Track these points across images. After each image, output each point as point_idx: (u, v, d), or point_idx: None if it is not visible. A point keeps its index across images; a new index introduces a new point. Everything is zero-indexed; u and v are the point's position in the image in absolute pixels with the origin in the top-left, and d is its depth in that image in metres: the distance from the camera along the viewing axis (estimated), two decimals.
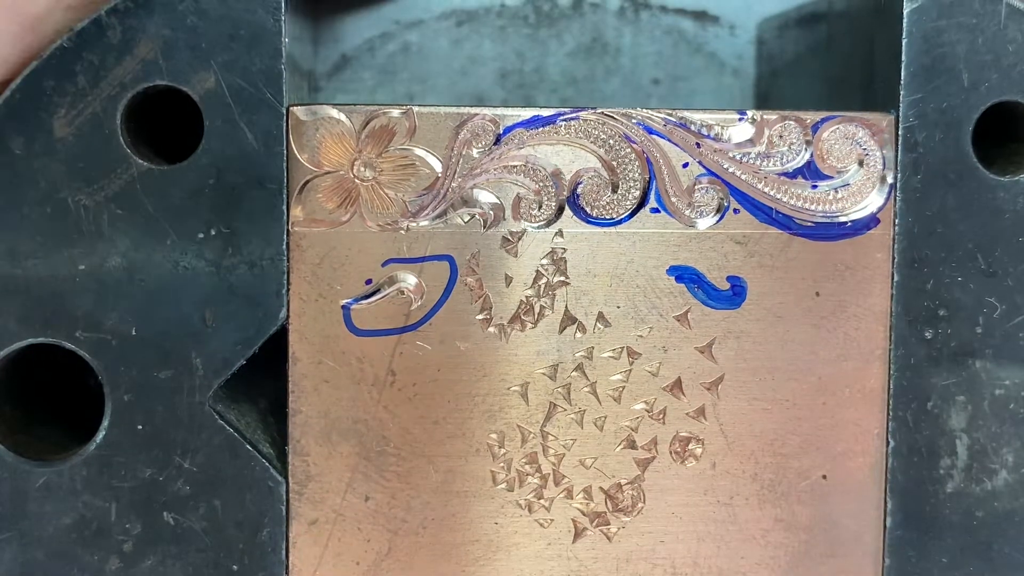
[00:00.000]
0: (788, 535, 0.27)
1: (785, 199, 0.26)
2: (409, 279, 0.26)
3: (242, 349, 0.25)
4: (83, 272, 0.25)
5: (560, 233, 0.26)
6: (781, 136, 0.26)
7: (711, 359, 0.26)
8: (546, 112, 0.26)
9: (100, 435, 0.25)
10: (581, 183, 0.26)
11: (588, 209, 0.26)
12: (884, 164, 0.26)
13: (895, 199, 0.26)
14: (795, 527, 0.27)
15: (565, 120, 0.26)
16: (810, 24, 0.33)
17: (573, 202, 0.26)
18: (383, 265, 0.26)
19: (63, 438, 0.26)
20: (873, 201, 0.26)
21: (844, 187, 0.26)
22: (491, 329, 0.26)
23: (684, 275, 0.26)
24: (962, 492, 0.27)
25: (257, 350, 0.25)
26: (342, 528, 0.26)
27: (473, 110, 0.25)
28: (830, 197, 0.26)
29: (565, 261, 0.26)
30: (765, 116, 0.26)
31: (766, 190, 0.26)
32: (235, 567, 0.26)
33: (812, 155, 0.26)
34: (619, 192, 0.26)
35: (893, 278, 0.26)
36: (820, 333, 0.26)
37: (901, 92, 0.26)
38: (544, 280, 0.26)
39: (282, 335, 0.25)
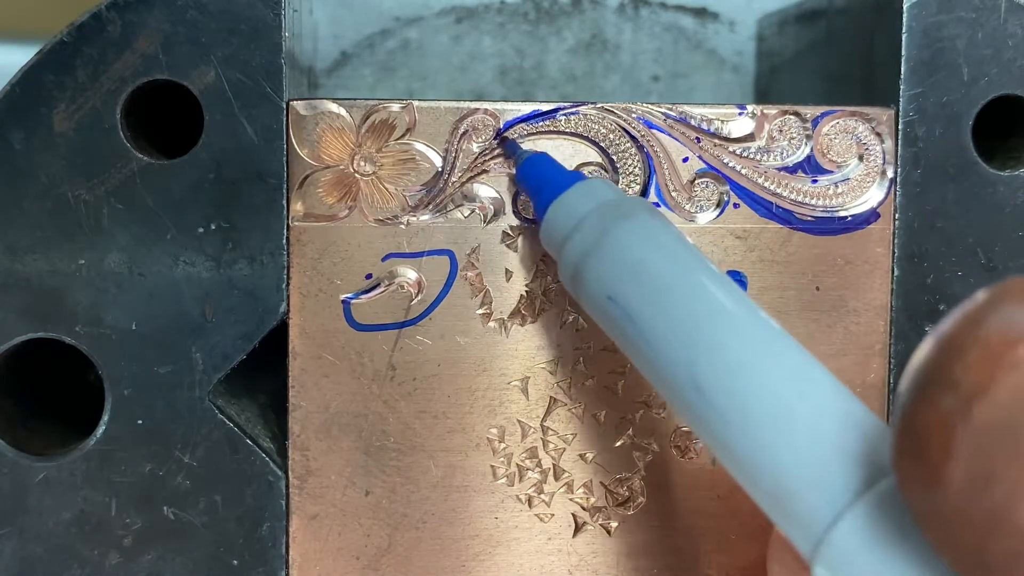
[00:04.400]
0: None
1: (785, 194, 0.26)
2: (409, 274, 0.26)
3: (242, 344, 0.25)
4: (83, 267, 0.25)
5: None
6: (781, 131, 0.26)
7: None
8: (546, 107, 0.26)
9: (100, 430, 0.25)
10: None
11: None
12: (884, 159, 0.26)
13: (895, 194, 0.26)
14: None
15: (565, 115, 0.26)
16: (810, 20, 0.33)
17: None
18: (383, 260, 0.26)
19: (63, 433, 0.26)
20: (873, 196, 0.26)
21: (844, 182, 0.26)
22: (491, 324, 0.26)
23: None
24: None
25: (257, 345, 0.25)
26: (342, 523, 0.26)
27: (473, 105, 0.25)
28: (830, 192, 0.26)
29: None
30: (765, 111, 0.26)
31: (766, 185, 0.26)
32: (235, 562, 0.26)
33: (812, 150, 0.26)
34: (619, 186, 0.26)
35: (893, 273, 0.26)
36: (820, 328, 0.26)
37: (901, 87, 0.26)
38: (545, 274, 0.26)
39: (282, 330, 0.25)
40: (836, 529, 0.17)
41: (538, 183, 0.24)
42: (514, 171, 0.25)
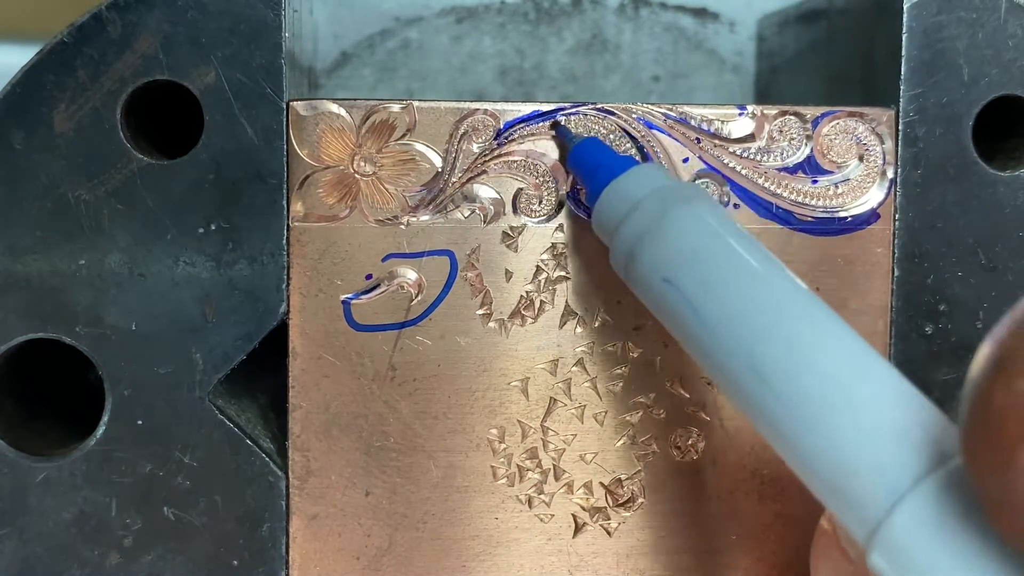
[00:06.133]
0: (789, 530, 0.27)
1: (785, 194, 0.26)
2: (409, 274, 0.26)
3: (242, 344, 0.25)
4: (83, 267, 0.25)
5: (560, 228, 0.26)
6: (781, 131, 0.26)
7: None
8: (546, 107, 0.26)
9: (100, 430, 0.25)
10: None
11: (588, 204, 0.26)
12: (884, 159, 0.26)
13: (895, 194, 0.26)
14: (795, 522, 0.27)
15: (565, 115, 0.26)
16: (810, 20, 0.33)
17: (573, 197, 0.26)
18: (383, 260, 0.26)
19: (63, 433, 0.26)
20: (873, 196, 0.26)
21: (844, 182, 0.26)
22: (491, 324, 0.26)
23: None
24: None
25: (257, 345, 0.25)
26: (342, 523, 0.26)
27: (473, 105, 0.25)
28: (830, 192, 0.26)
29: (565, 256, 0.26)
30: (765, 111, 0.26)
31: (766, 185, 0.26)
32: (235, 562, 0.26)
33: (812, 150, 0.26)
34: None
35: (893, 273, 0.26)
36: None
37: (901, 87, 0.26)
38: (544, 275, 0.26)
39: (282, 330, 0.25)
40: (895, 513, 0.17)
41: (591, 167, 0.24)
42: (566, 156, 0.25)
